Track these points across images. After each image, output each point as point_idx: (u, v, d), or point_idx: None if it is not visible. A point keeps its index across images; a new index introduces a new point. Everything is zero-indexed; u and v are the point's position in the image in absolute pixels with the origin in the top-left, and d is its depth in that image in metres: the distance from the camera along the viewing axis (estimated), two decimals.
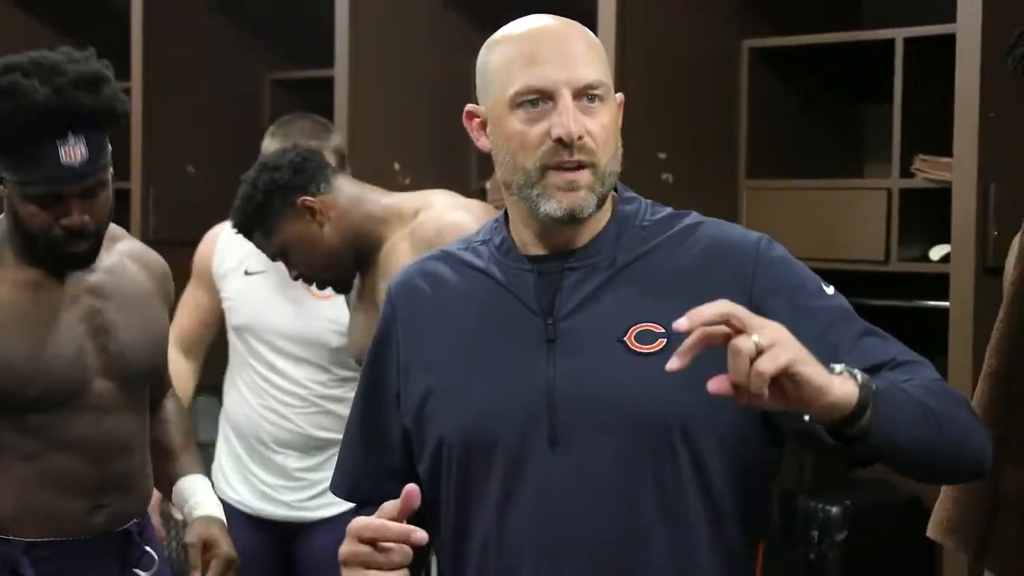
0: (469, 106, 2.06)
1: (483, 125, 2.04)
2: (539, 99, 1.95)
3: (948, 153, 3.42)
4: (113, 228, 2.85)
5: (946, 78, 3.39)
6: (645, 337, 1.94)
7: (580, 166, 1.95)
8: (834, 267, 3.53)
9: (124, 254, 2.84)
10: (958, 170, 3.34)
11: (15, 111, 2.54)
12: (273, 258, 3.31)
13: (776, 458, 2.02)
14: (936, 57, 3.57)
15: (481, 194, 4.54)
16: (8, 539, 2.71)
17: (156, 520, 3.41)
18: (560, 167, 1.94)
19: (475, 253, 2.07)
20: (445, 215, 3.15)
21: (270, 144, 3.73)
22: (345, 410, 3.77)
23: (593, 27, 3.04)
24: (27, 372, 2.66)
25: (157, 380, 2.92)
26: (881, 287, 3.85)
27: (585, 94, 1.95)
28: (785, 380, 1.72)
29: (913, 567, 3.88)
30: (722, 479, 1.94)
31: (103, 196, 2.66)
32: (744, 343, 1.70)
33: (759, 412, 1.91)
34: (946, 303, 3.41)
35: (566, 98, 1.94)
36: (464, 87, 4.68)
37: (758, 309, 1.87)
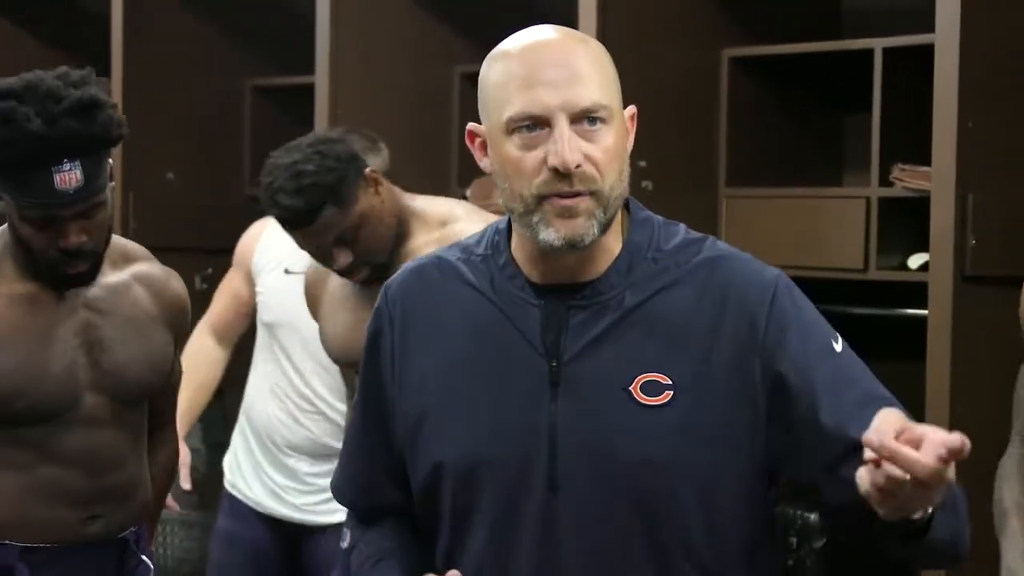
0: (471, 125, 1.95)
1: (484, 145, 1.93)
2: (534, 125, 1.86)
3: (927, 162, 3.43)
4: (134, 249, 2.85)
5: (925, 87, 3.40)
6: (651, 388, 1.88)
7: (577, 194, 1.85)
8: (813, 275, 3.54)
9: (135, 275, 2.82)
10: (936, 179, 3.35)
11: (9, 139, 2.53)
12: (336, 242, 3.08)
13: (773, 509, 2.00)
14: (915, 66, 3.58)
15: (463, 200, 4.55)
16: (4, 543, 2.71)
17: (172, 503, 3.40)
18: (556, 195, 1.85)
19: (474, 269, 1.98)
20: (473, 230, 3.11)
21: None
22: None
23: None
24: (17, 385, 2.66)
25: (158, 409, 2.89)
26: (860, 295, 3.86)
27: (585, 117, 1.86)
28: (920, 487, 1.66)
29: (893, 574, 3.88)
30: (720, 533, 1.91)
31: (101, 215, 2.64)
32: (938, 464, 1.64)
33: (748, 462, 1.89)
34: (924, 311, 3.42)
35: (562, 125, 1.84)
36: (445, 94, 4.69)
37: (766, 363, 1.86)
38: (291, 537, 3.77)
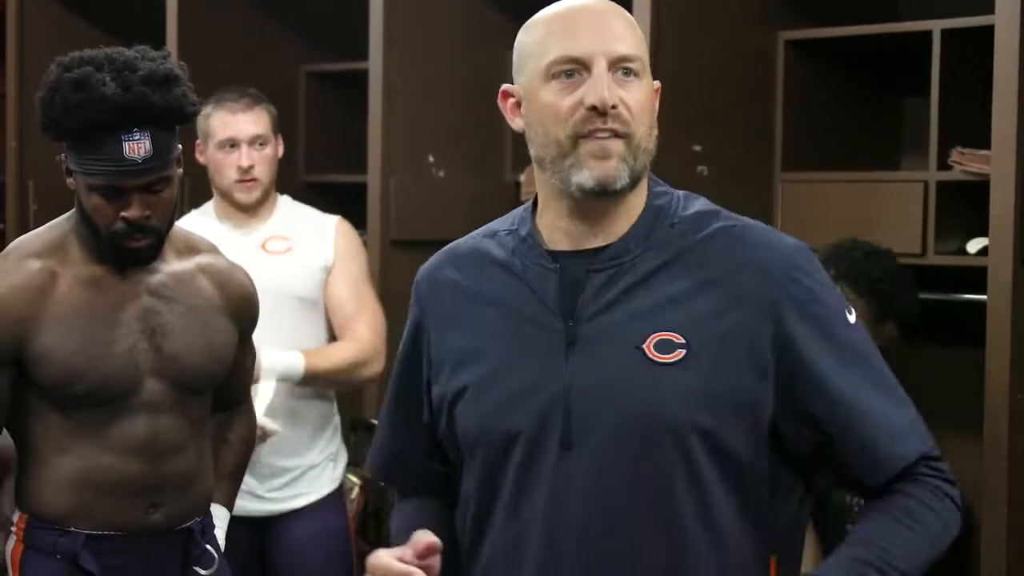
0: (504, 86, 2.04)
1: (518, 105, 2.01)
2: (574, 70, 1.93)
3: (986, 146, 3.39)
4: (199, 240, 2.88)
5: (984, 70, 3.36)
6: (664, 346, 1.93)
7: (614, 135, 1.92)
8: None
9: (200, 266, 2.84)
10: (996, 163, 3.32)
11: (84, 103, 2.58)
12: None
13: (789, 475, 2.00)
14: (974, 49, 3.54)
15: (516, 187, 4.54)
16: (69, 530, 2.73)
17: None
18: (592, 135, 1.92)
19: (500, 244, 2.05)
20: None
21: None
22: (307, 408, 3.74)
23: None
24: (78, 366, 2.68)
25: (230, 389, 2.92)
26: (918, 280, 3.82)
27: (620, 66, 1.94)
28: None
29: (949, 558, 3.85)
30: (727, 493, 1.93)
31: (167, 193, 2.68)
32: None
33: (753, 428, 1.92)
34: (983, 296, 3.39)
35: (601, 67, 1.92)
36: (499, 79, 4.64)
37: (778, 329, 1.90)
38: (254, 535, 3.75)
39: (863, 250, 3.46)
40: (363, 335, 3.79)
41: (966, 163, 3.59)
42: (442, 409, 2.04)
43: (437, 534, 1.96)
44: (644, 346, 1.92)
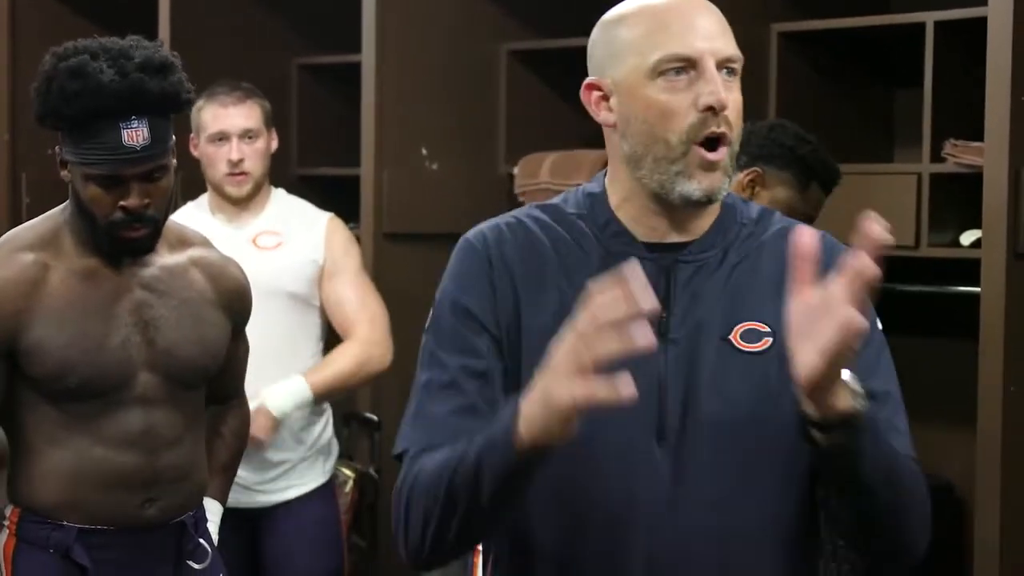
0: (590, 78, 1.97)
1: (604, 98, 1.96)
2: (684, 68, 1.90)
3: (979, 138, 3.39)
4: (192, 234, 2.88)
5: (977, 62, 3.36)
6: (750, 336, 1.93)
7: (722, 140, 1.90)
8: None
9: (192, 259, 2.84)
10: (989, 155, 3.32)
11: (82, 90, 2.58)
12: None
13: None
14: (967, 41, 3.54)
15: (509, 179, 4.53)
16: (62, 524, 2.73)
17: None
18: (706, 144, 1.89)
19: (571, 228, 1.97)
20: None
21: None
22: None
23: None
24: (70, 359, 2.68)
25: (223, 383, 2.92)
26: (911, 272, 3.83)
27: (725, 66, 1.92)
28: (834, 352, 1.69)
29: (943, 550, 3.86)
30: (793, 483, 1.94)
31: (164, 182, 2.68)
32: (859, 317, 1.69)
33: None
34: (977, 288, 3.39)
35: (712, 67, 1.90)
36: (493, 72, 4.67)
37: None
38: (245, 527, 3.75)
39: (765, 126, 3.38)
40: (365, 333, 3.79)
41: (959, 155, 3.59)
42: (521, 384, 1.87)
43: None
44: (731, 337, 1.92)
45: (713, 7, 1.98)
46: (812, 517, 1.97)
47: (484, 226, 2.01)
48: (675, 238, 1.97)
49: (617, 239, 1.97)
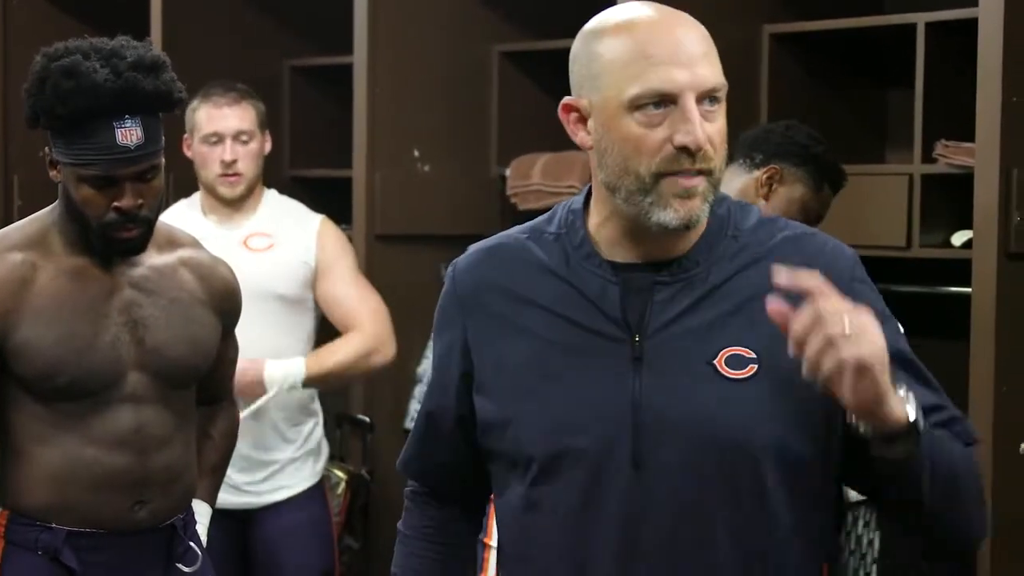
0: (568, 99, 1.93)
1: (582, 120, 1.91)
2: (661, 102, 1.85)
3: (970, 138, 3.40)
4: (181, 234, 2.88)
5: (968, 63, 3.36)
6: (735, 362, 1.88)
7: (699, 173, 1.86)
8: (856, 252, 3.51)
9: (181, 259, 2.84)
10: (980, 155, 3.32)
11: (76, 90, 2.57)
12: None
13: (838, 488, 1.99)
14: (958, 41, 3.54)
15: (501, 181, 4.53)
16: (51, 527, 2.72)
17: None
18: (677, 174, 1.85)
19: (546, 248, 1.96)
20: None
21: None
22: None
23: None
24: (59, 358, 2.67)
25: (213, 384, 2.92)
26: (903, 273, 3.83)
27: (707, 97, 1.87)
28: (853, 373, 1.69)
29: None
30: (794, 505, 1.90)
31: (156, 181, 2.68)
32: (835, 318, 1.67)
33: (824, 442, 1.89)
34: (968, 289, 3.39)
35: (691, 103, 1.85)
36: (484, 73, 4.67)
37: None
38: (235, 527, 3.75)
39: (781, 125, 3.40)
40: (367, 326, 3.79)
41: (951, 156, 3.59)
42: (491, 421, 1.96)
43: None
44: (715, 361, 1.88)
45: (696, 24, 1.91)
46: (798, 541, 1.93)
47: (463, 266, 2.04)
48: (656, 256, 1.92)
49: (588, 261, 1.94)
